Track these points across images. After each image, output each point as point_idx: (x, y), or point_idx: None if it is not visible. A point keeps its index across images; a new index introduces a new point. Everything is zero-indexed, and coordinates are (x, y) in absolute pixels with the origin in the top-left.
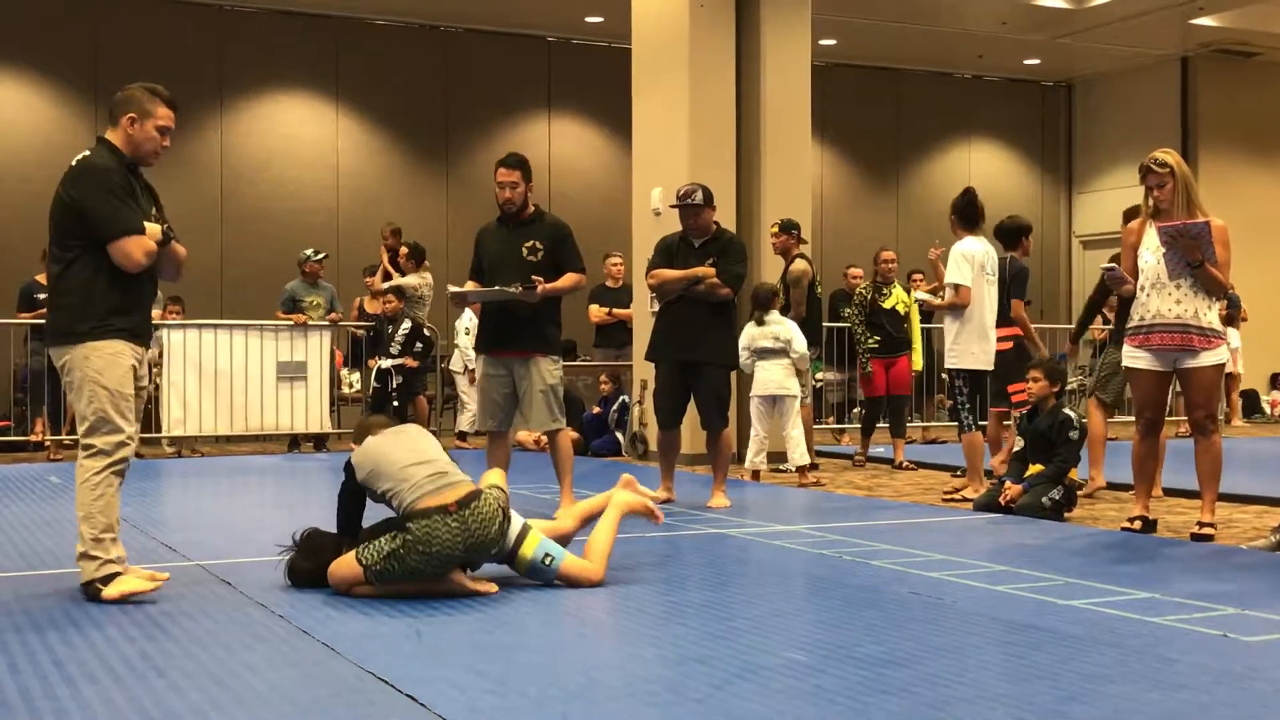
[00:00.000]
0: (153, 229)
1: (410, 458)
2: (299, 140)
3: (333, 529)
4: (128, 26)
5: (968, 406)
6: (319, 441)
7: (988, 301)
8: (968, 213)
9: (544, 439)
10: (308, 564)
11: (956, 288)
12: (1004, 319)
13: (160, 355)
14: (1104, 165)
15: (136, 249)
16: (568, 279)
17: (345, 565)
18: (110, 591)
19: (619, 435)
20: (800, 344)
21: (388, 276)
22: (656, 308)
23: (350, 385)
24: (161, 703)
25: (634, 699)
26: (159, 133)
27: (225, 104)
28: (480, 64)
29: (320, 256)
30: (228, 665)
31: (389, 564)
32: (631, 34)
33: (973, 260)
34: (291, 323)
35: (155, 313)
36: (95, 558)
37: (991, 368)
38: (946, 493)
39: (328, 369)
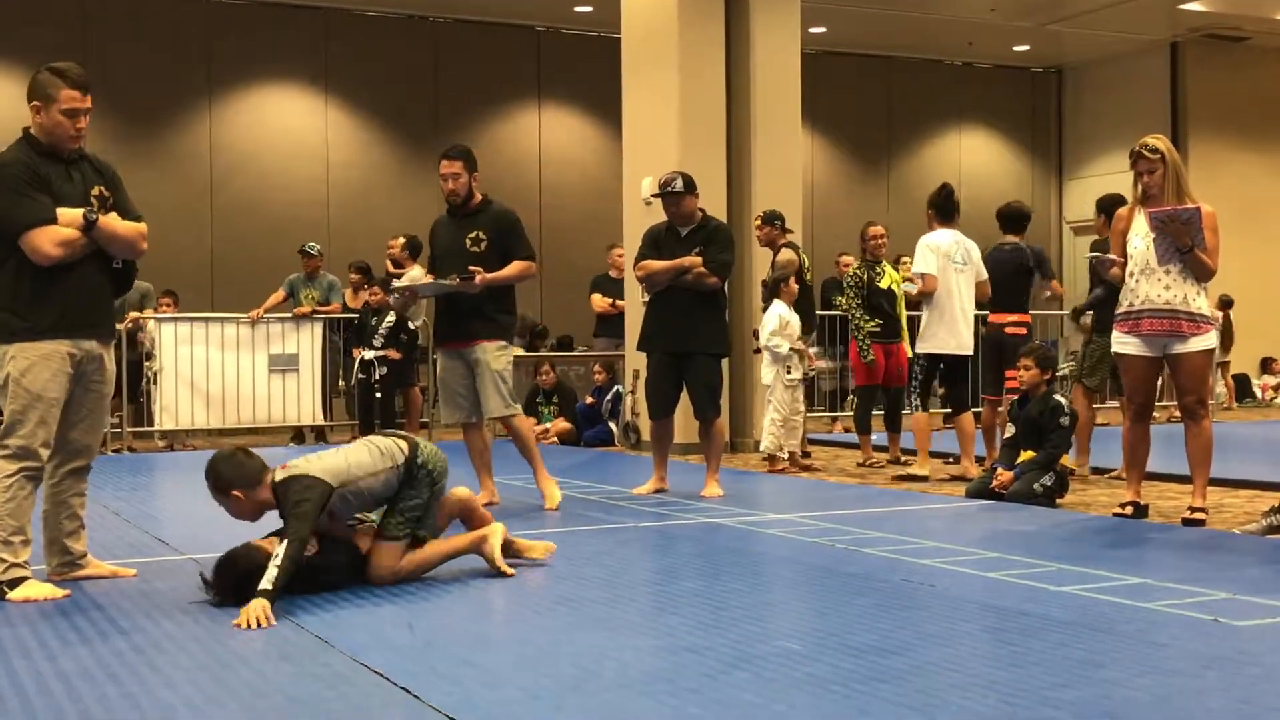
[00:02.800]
0: (70, 215)
1: (359, 457)
2: (288, 132)
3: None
4: (116, 19)
5: (919, 391)
6: (320, 432)
7: (956, 290)
8: (946, 207)
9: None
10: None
11: (922, 276)
12: (1019, 305)
13: (151, 348)
14: (1094, 151)
15: (43, 240)
16: (513, 268)
17: (386, 553)
18: (15, 595)
19: (612, 425)
20: (762, 335)
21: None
22: (647, 298)
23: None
24: (155, 697)
25: (628, 689)
26: (66, 117)
27: (214, 96)
28: (469, 54)
29: (315, 250)
30: (221, 659)
31: (411, 516)
32: (621, 23)
33: (938, 250)
34: (275, 311)
35: (148, 310)
36: (2, 560)
37: (962, 353)
38: (897, 475)
39: (319, 361)
